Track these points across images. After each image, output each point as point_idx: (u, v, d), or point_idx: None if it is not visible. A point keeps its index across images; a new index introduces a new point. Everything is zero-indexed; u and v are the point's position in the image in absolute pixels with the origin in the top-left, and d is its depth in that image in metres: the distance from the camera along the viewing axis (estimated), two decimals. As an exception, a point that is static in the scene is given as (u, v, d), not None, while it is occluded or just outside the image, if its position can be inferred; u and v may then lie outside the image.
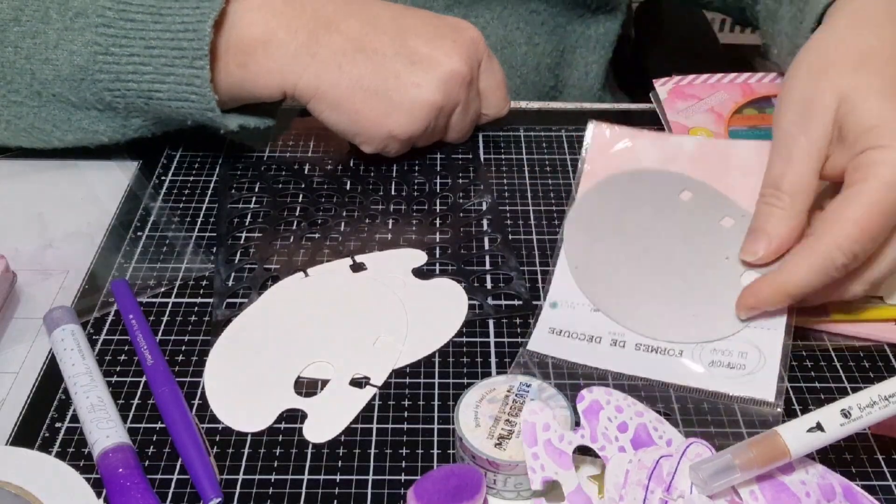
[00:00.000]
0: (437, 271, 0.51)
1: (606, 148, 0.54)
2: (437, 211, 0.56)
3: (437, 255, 0.52)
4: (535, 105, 0.67)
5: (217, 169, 0.59)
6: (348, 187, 0.58)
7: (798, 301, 0.43)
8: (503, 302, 0.49)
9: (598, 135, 0.54)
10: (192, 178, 0.59)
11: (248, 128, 0.56)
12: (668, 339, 0.45)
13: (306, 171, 0.59)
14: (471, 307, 0.48)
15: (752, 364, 0.43)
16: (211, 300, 0.49)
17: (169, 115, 0.54)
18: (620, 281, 0.47)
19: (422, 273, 0.50)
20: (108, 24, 0.51)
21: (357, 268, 0.51)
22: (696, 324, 0.45)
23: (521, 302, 0.49)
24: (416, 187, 0.58)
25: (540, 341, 0.44)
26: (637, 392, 0.43)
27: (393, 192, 0.57)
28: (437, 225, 0.55)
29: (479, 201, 0.56)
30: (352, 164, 0.60)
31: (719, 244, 0.48)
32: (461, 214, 0.55)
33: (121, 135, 0.56)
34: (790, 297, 0.43)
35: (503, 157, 0.61)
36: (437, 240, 0.53)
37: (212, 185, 0.58)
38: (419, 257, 0.52)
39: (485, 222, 0.55)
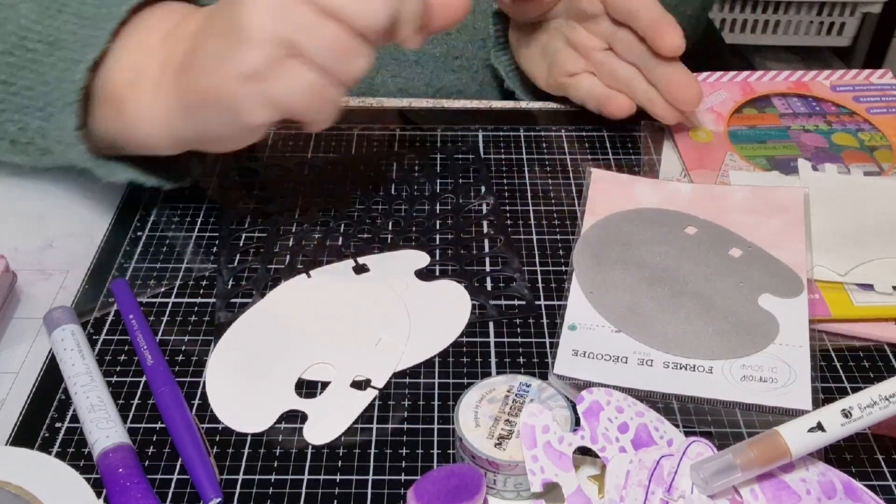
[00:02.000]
0: (439, 273, 0.51)
1: (607, 192, 0.54)
2: (439, 212, 0.56)
3: (439, 257, 0.52)
4: (536, 105, 0.67)
5: (217, 169, 0.59)
6: (349, 188, 0.58)
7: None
8: (504, 303, 0.49)
9: (598, 179, 0.55)
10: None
11: (141, 185, 0.52)
12: (695, 356, 0.44)
13: (307, 172, 0.59)
14: (473, 309, 0.48)
15: (783, 378, 0.43)
16: (211, 300, 0.49)
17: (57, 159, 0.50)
18: (638, 304, 0.47)
19: (424, 274, 0.50)
20: (9, 52, 0.48)
21: (360, 269, 0.51)
22: (719, 342, 0.45)
23: (523, 303, 0.49)
24: (417, 189, 0.58)
25: (565, 364, 0.44)
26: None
27: (394, 193, 0.57)
28: (439, 227, 0.55)
29: (480, 203, 0.56)
30: (352, 165, 0.60)
31: (731, 272, 0.48)
32: (463, 216, 0.55)
33: (43, 166, 0.53)
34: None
35: (503, 157, 0.61)
36: (439, 241, 0.53)
37: (211, 185, 0.58)
38: (422, 259, 0.52)
39: (486, 224, 0.55)
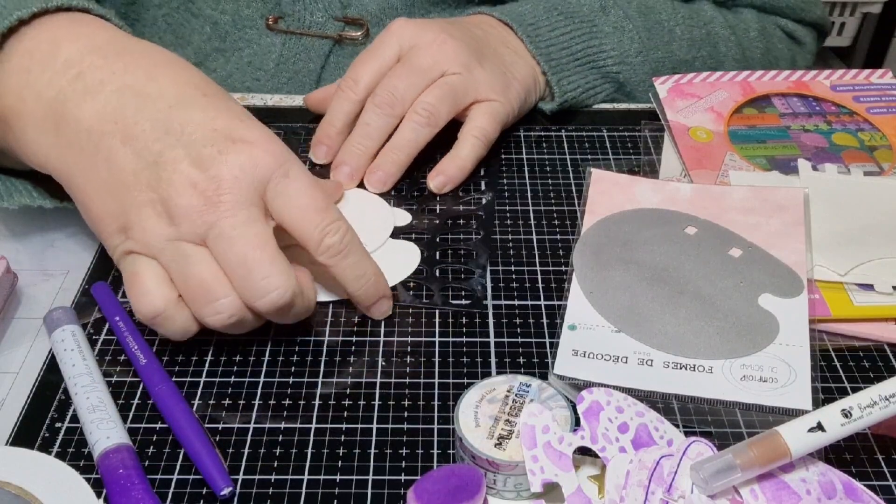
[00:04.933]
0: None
1: (606, 192, 0.54)
2: (438, 199, 0.56)
3: (413, 238, 0.53)
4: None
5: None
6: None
7: (470, 167, 0.57)
8: (451, 293, 0.49)
9: (598, 180, 0.55)
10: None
11: (32, 206, 0.50)
12: (696, 356, 0.44)
13: (308, 167, 0.59)
14: (418, 296, 0.49)
15: (783, 378, 0.43)
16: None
17: None
18: (638, 304, 0.47)
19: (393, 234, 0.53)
20: None
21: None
22: (720, 341, 0.45)
23: (469, 301, 0.49)
24: (416, 175, 0.58)
25: (565, 364, 0.44)
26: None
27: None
28: (435, 212, 0.55)
29: (479, 197, 0.57)
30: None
31: (731, 271, 0.48)
32: (459, 206, 0.56)
33: None
34: (465, 168, 0.57)
35: (503, 156, 0.61)
36: (426, 225, 0.54)
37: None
38: (403, 217, 0.55)
39: (469, 218, 0.55)
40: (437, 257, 0.52)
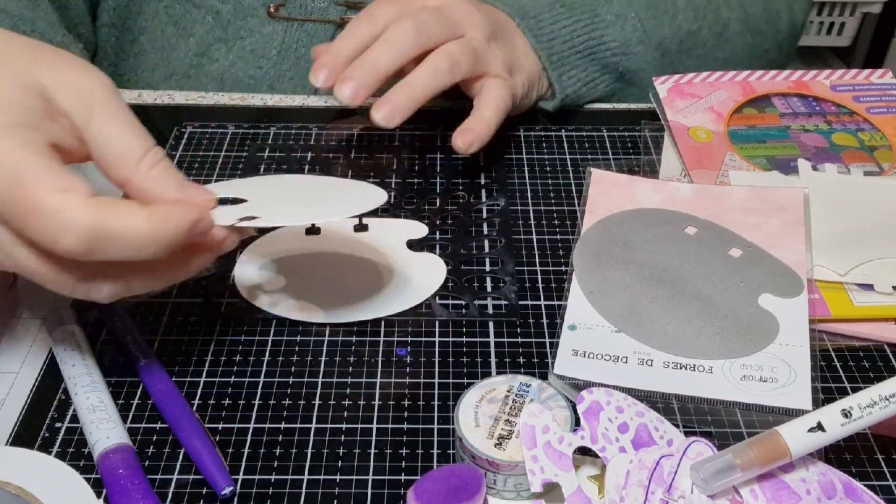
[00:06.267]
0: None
1: (606, 192, 0.54)
2: (449, 210, 0.56)
3: (437, 252, 0.52)
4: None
5: (221, 169, 0.59)
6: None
7: (494, 130, 0.56)
8: (490, 302, 0.49)
9: (598, 180, 0.55)
10: (192, 177, 0.59)
11: None
12: (696, 356, 0.44)
13: (318, 169, 0.59)
14: (455, 307, 0.48)
15: (783, 378, 0.43)
16: (211, 300, 0.49)
17: None
18: (638, 304, 0.47)
19: (414, 247, 0.52)
20: None
21: (360, 228, 0.53)
22: (720, 341, 0.45)
23: (508, 304, 0.49)
24: (430, 184, 0.58)
25: (565, 364, 0.44)
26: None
27: (406, 184, 0.58)
28: (449, 221, 0.55)
29: (492, 204, 0.56)
30: (361, 163, 0.60)
31: (731, 271, 0.48)
32: (473, 213, 0.56)
33: None
34: (490, 129, 0.56)
35: (503, 156, 0.61)
36: (440, 237, 0.53)
37: (213, 180, 0.58)
38: (420, 230, 0.54)
39: (486, 225, 0.55)
40: (462, 267, 0.51)
